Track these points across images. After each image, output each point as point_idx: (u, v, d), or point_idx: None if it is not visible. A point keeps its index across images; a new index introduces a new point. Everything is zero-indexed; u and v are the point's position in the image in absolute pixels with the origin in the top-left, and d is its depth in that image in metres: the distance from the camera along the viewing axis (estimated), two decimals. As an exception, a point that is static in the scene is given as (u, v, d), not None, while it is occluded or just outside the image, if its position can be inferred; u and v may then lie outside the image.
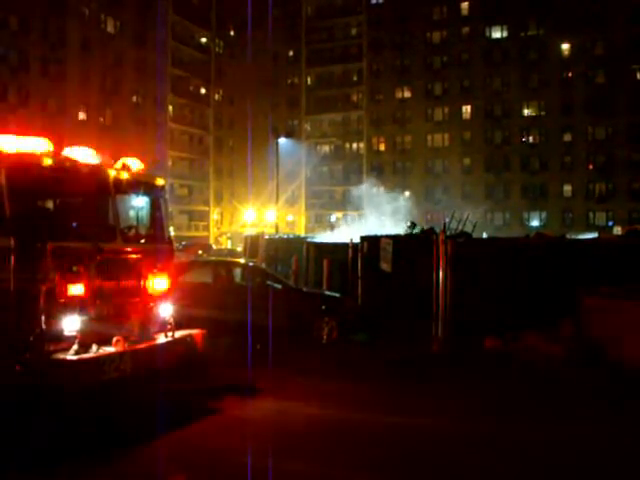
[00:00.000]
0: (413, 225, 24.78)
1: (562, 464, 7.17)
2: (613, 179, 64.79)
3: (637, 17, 62.81)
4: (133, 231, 9.19)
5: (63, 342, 7.58)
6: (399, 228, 25.08)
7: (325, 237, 29.47)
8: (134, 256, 8.77)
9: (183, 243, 48.87)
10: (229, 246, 69.20)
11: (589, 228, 57.87)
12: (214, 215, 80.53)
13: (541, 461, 7.23)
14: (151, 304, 8.97)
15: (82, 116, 60.52)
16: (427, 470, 7.02)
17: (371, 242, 17.65)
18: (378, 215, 41.46)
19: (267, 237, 32.14)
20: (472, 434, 8.16)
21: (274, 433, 8.13)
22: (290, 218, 79.79)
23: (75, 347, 7.54)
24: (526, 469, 7.05)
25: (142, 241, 9.18)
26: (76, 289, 7.78)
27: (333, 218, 71.01)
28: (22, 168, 7.62)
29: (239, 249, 45.63)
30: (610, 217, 64.77)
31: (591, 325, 13.34)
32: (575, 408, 9.49)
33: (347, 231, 28.28)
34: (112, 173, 8.73)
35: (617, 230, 58.00)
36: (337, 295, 16.17)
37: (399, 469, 7.04)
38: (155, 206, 9.61)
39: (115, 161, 9.04)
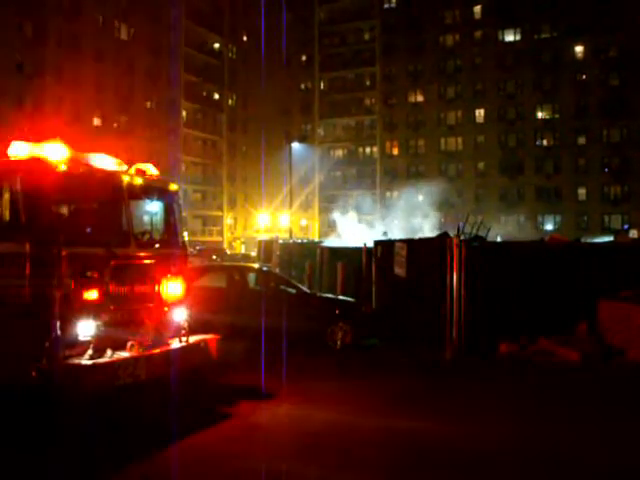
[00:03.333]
0: (385, 234, 24.99)
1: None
2: (628, 182, 64.35)
3: (651, 19, 62.52)
4: (147, 236, 9.21)
5: (78, 347, 7.60)
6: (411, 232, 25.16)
7: (338, 241, 29.43)
8: (148, 261, 8.78)
9: (197, 248, 48.95)
10: (243, 251, 69.27)
11: (604, 231, 57.52)
12: (228, 220, 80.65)
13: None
14: (165, 309, 8.99)
15: (96, 122, 60.87)
16: (435, 474, 6.99)
17: (385, 246, 17.60)
18: (391, 219, 41.44)
19: (281, 242, 32.18)
20: (490, 439, 8.10)
21: (288, 438, 8.10)
22: (304, 223, 79.82)
23: (90, 352, 7.57)
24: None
25: (156, 246, 9.20)
26: (90, 294, 7.81)
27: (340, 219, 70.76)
28: (37, 174, 7.67)
29: (253, 254, 45.70)
30: (625, 220, 64.33)
31: (608, 328, 13.26)
32: (603, 410, 9.42)
33: (361, 235, 28.24)
34: (126, 179, 8.76)
35: (633, 233, 57.70)
36: (351, 300, 16.13)
37: (415, 475, 7.00)
38: (169, 211, 9.63)
39: (129, 166, 9.07)
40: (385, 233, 21.91)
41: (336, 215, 45.79)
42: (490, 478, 6.96)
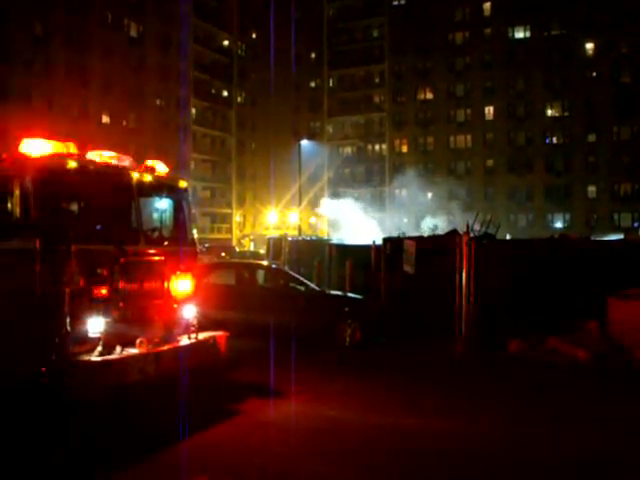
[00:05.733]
0: (434, 227, 24.89)
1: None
2: (639, 180, 64.02)
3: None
4: (156, 233, 9.23)
5: (87, 344, 7.62)
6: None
7: (347, 239, 29.41)
8: (157, 258, 8.80)
9: (206, 245, 49.01)
10: (252, 248, 69.31)
11: (614, 229, 57.26)
12: (237, 217, 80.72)
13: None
14: (174, 306, 9.00)
15: (105, 119, 60.99)
16: (443, 474, 6.98)
17: (394, 244, 17.58)
18: (400, 216, 41.46)
19: (290, 239, 32.16)
20: (495, 438, 8.08)
21: (296, 435, 8.10)
22: (313, 220, 79.84)
23: (99, 349, 7.59)
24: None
25: (165, 243, 9.22)
26: (100, 291, 7.84)
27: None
28: (47, 171, 7.70)
29: (262, 251, 45.72)
30: (636, 218, 64.01)
31: (618, 327, 13.20)
32: (609, 409, 9.39)
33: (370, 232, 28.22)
34: (135, 176, 8.78)
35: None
36: (360, 297, 16.10)
37: (423, 474, 7.00)
38: (178, 208, 9.65)
39: (138, 164, 9.09)
40: (403, 233, 21.87)
41: (345, 212, 45.74)
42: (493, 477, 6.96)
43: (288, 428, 8.45)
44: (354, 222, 39.27)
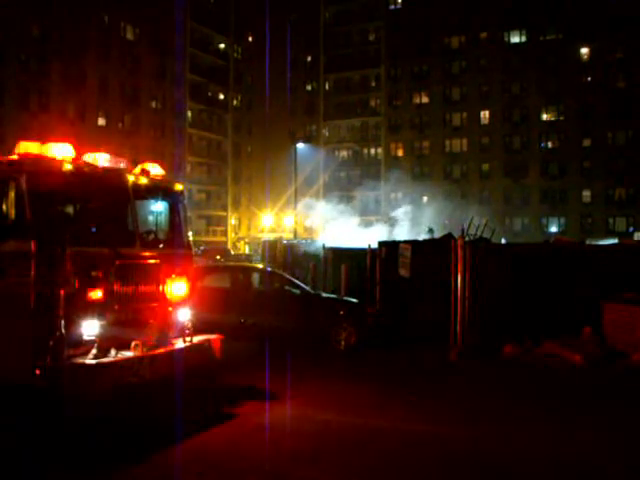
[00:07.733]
0: (431, 230, 24.90)
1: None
2: (633, 184, 64.17)
3: (657, 20, 62.34)
4: (152, 236, 9.21)
5: (82, 347, 7.60)
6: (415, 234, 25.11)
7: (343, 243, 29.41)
8: (153, 261, 8.78)
9: (201, 248, 48.99)
10: (247, 251, 69.30)
11: (609, 234, 57.39)
12: (232, 220, 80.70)
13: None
14: (170, 309, 8.98)
15: (101, 122, 60.98)
16: (440, 477, 6.98)
17: (389, 247, 17.60)
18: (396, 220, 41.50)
19: (285, 242, 32.18)
20: (492, 441, 8.09)
21: (290, 439, 8.09)
22: (308, 223, 79.80)
23: (94, 352, 7.56)
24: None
25: (161, 246, 9.20)
26: (95, 294, 7.81)
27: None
28: (43, 173, 7.67)
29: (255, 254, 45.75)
30: (630, 223, 64.15)
31: (612, 331, 13.23)
32: (603, 413, 9.40)
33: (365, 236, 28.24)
34: (131, 178, 8.77)
35: (638, 236, 57.50)
36: (355, 301, 16.11)
37: (418, 475, 6.99)
38: (174, 211, 9.64)
39: (134, 166, 9.07)
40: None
41: (342, 216, 45.75)
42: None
43: (283, 432, 8.44)
44: (342, 225, 39.31)
